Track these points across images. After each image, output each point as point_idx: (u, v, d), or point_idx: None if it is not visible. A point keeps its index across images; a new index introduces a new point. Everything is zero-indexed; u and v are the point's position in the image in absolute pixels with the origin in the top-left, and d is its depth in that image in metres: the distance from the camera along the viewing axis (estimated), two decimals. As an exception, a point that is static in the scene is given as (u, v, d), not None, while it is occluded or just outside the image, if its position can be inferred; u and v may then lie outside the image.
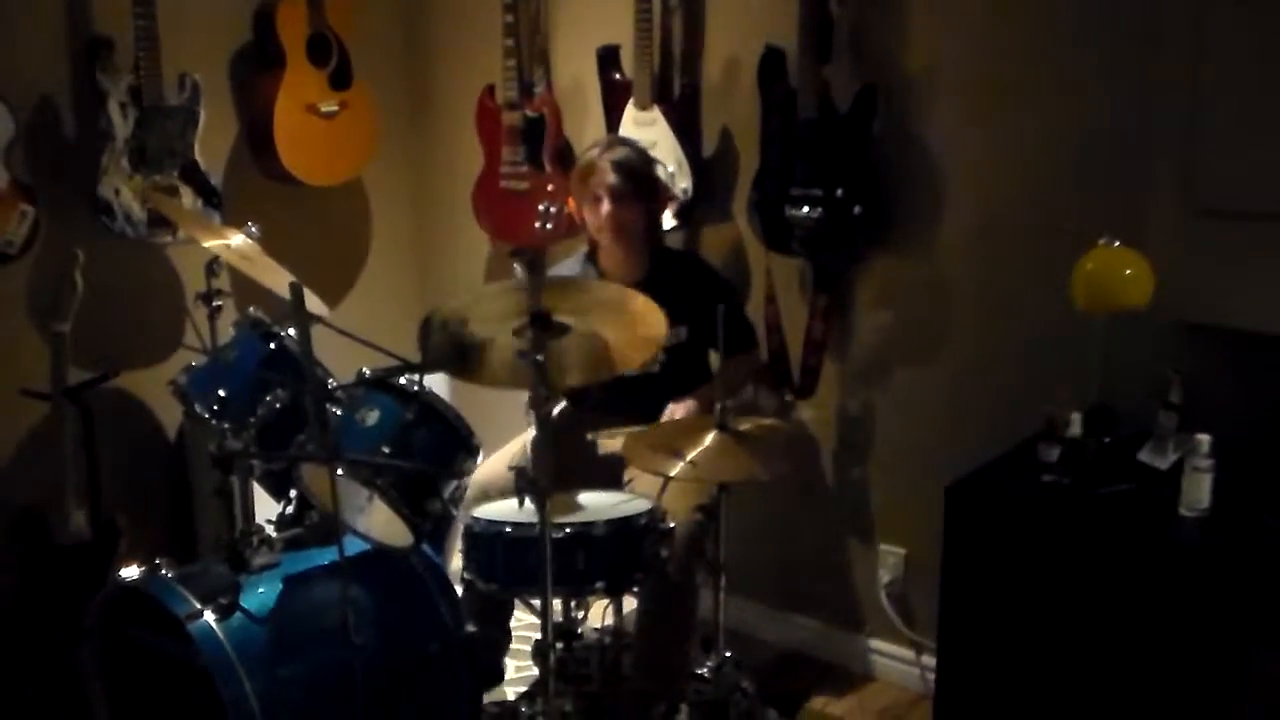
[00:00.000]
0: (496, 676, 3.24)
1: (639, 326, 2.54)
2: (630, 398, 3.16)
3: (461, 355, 2.48)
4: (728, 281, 3.47)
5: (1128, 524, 2.53)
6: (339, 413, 2.76)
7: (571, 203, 3.39)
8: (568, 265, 3.43)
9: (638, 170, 3.25)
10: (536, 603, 2.60)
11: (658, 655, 3.05)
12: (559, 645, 2.83)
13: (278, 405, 2.88)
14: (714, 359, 3.22)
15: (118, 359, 3.53)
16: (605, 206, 3.23)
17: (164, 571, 2.67)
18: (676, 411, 3.15)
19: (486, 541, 2.76)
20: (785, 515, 3.62)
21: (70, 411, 3.24)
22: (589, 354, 2.50)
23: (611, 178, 3.22)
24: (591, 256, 3.38)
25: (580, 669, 2.95)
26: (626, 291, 2.62)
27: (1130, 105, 2.88)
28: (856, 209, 3.22)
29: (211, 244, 3.01)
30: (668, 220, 3.52)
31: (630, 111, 3.56)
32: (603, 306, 2.52)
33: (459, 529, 2.87)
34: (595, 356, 2.51)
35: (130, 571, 2.71)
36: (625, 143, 3.35)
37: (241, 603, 2.59)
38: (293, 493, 2.92)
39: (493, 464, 3.17)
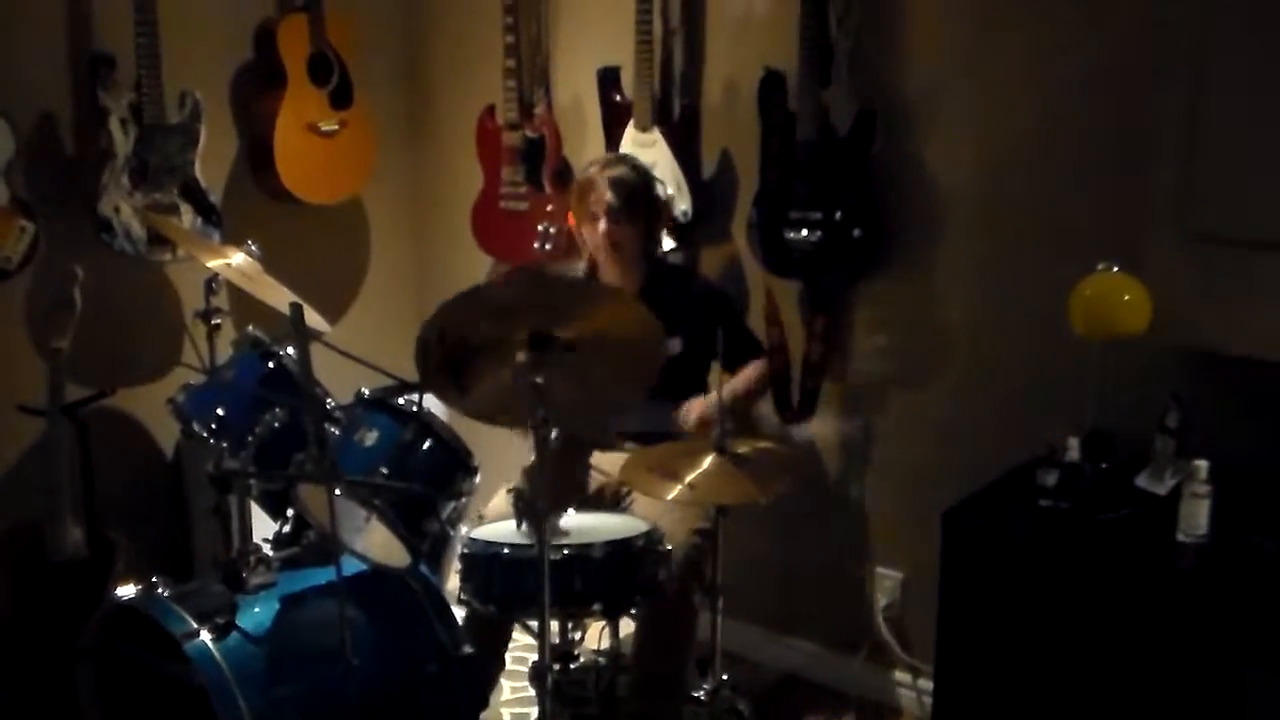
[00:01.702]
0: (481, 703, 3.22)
1: (633, 350, 2.53)
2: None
3: (456, 370, 2.46)
4: (724, 293, 3.46)
5: (1126, 549, 2.53)
6: (337, 432, 2.76)
7: (571, 220, 3.40)
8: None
9: (635, 189, 3.25)
10: (533, 624, 2.60)
11: (655, 677, 3.04)
12: (556, 667, 2.82)
13: (276, 424, 2.88)
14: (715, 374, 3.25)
15: (115, 376, 3.52)
16: (602, 225, 3.23)
17: (160, 590, 2.66)
18: (693, 409, 3.15)
19: (483, 563, 2.76)
20: (783, 538, 3.61)
21: (67, 428, 3.23)
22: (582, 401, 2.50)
23: (609, 196, 3.21)
24: (590, 274, 3.39)
25: (577, 691, 2.94)
26: (623, 306, 2.61)
27: (1129, 131, 2.89)
28: (855, 232, 3.23)
29: (212, 263, 3.02)
30: (666, 241, 3.52)
31: (630, 133, 3.57)
32: (597, 328, 2.51)
33: (456, 549, 2.86)
34: (587, 399, 2.51)
35: (126, 590, 2.70)
36: (624, 160, 3.34)
37: (238, 622, 2.58)
38: (290, 512, 2.92)
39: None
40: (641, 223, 3.27)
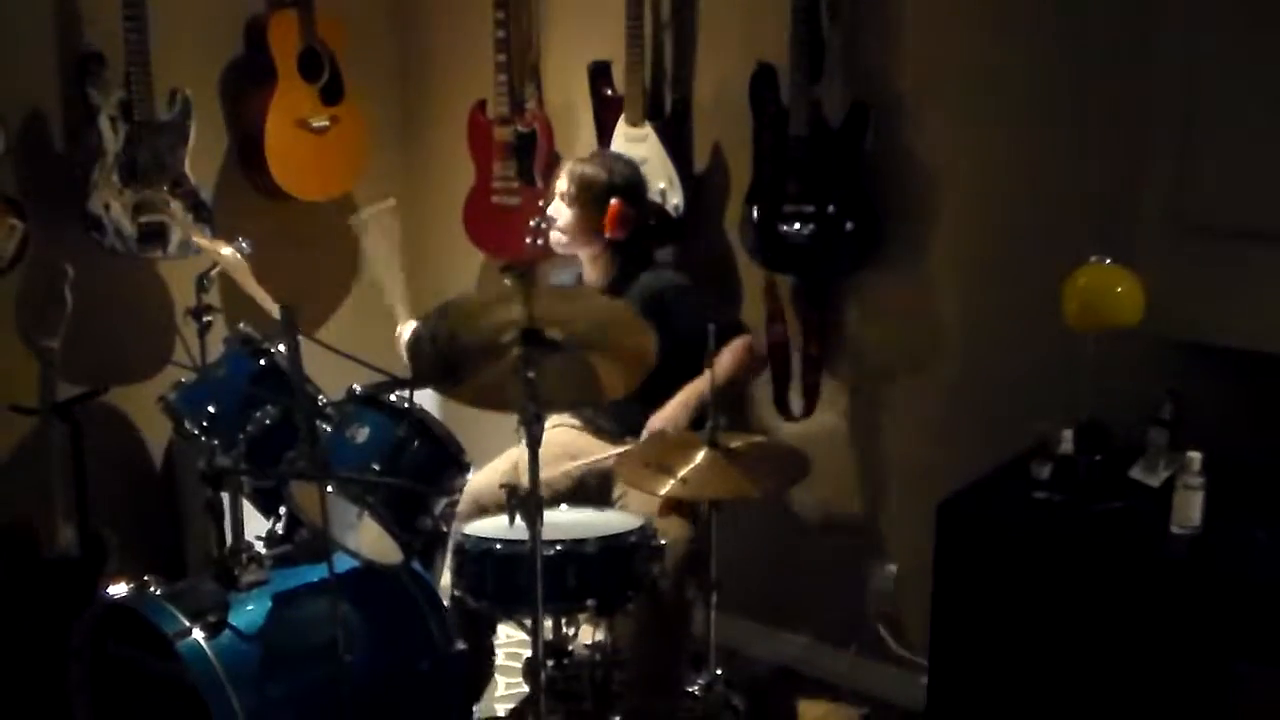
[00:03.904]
0: (474, 695, 3.22)
1: (626, 345, 2.53)
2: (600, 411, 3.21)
3: (450, 370, 2.46)
4: (691, 287, 3.34)
5: (1119, 541, 2.53)
6: (329, 430, 2.76)
7: None
8: (562, 273, 3.46)
9: (589, 183, 3.28)
10: (528, 620, 2.59)
11: (649, 673, 3.04)
12: (550, 663, 2.82)
13: (267, 422, 2.87)
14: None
15: (107, 375, 3.51)
16: (551, 207, 3.34)
17: (152, 589, 2.66)
18: (654, 424, 3.10)
19: (476, 559, 2.75)
20: (776, 532, 3.61)
21: (59, 427, 3.22)
22: (577, 381, 2.49)
23: (562, 182, 3.32)
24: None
25: (571, 686, 2.94)
26: (614, 306, 2.61)
27: (1121, 122, 2.88)
28: (848, 225, 3.23)
29: (219, 251, 3.01)
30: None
31: (622, 127, 3.56)
32: (590, 324, 2.50)
33: (449, 545, 2.86)
34: (582, 383, 2.50)
35: (118, 588, 2.70)
36: (603, 159, 3.37)
37: (230, 620, 2.58)
38: (282, 509, 2.91)
39: (486, 475, 3.16)
40: (583, 212, 3.29)
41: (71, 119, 3.44)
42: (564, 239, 3.34)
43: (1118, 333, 2.67)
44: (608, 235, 3.28)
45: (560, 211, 3.32)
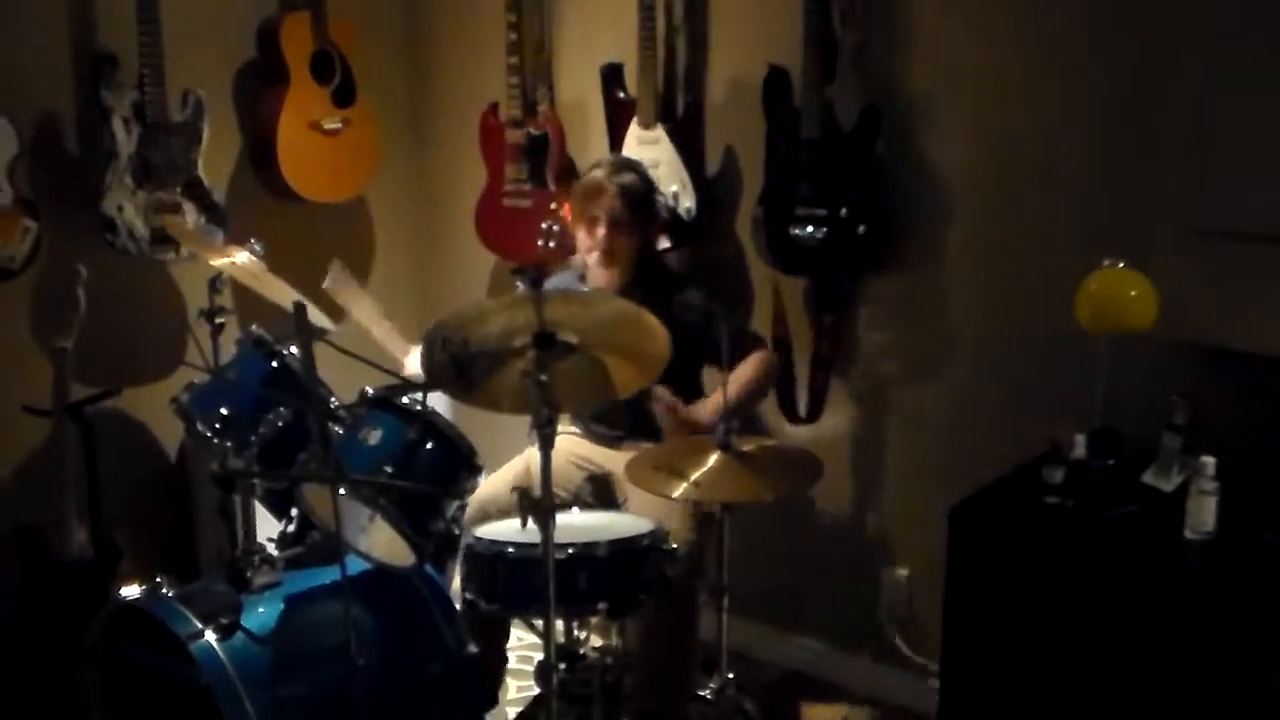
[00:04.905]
0: (490, 701, 3.22)
1: (642, 345, 2.52)
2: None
3: (462, 374, 2.46)
4: (708, 312, 3.23)
5: (1132, 546, 2.53)
6: (341, 432, 2.76)
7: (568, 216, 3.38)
8: (564, 277, 3.43)
9: (641, 198, 3.23)
10: (538, 623, 2.59)
11: (660, 676, 3.04)
12: (561, 666, 2.81)
13: (280, 424, 2.87)
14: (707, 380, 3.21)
15: (120, 376, 3.53)
16: (601, 230, 3.20)
17: (165, 590, 2.66)
18: (664, 397, 3.08)
19: (488, 562, 2.75)
20: (788, 536, 3.61)
21: (72, 428, 3.23)
22: (591, 379, 2.48)
23: (616, 204, 3.18)
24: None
25: (582, 690, 2.93)
26: (630, 307, 2.60)
27: (1134, 127, 2.88)
28: (860, 228, 3.22)
29: (219, 262, 3.01)
30: (661, 241, 3.52)
31: (634, 130, 3.56)
32: (605, 324, 2.50)
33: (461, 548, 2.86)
34: (597, 381, 2.50)
35: (131, 590, 2.70)
36: (631, 166, 3.32)
37: (243, 622, 2.58)
38: (294, 511, 2.91)
39: (493, 483, 3.16)
40: (640, 234, 3.25)
41: (85, 121, 3.45)
42: (613, 261, 3.21)
43: (1131, 337, 2.67)
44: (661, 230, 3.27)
45: (618, 241, 3.18)
